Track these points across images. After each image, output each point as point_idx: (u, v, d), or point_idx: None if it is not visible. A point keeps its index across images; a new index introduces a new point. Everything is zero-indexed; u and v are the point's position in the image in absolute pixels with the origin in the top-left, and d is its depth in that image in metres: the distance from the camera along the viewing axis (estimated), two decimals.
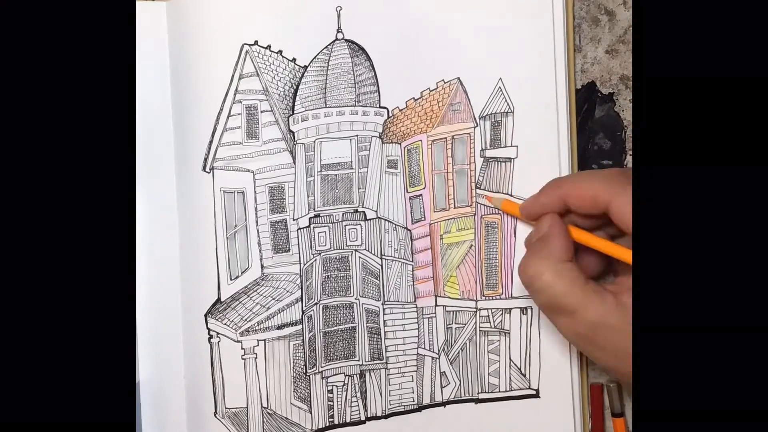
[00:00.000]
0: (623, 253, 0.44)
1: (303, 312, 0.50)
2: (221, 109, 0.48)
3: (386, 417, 0.51)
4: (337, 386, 0.50)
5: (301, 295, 0.50)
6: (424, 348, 0.51)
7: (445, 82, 0.50)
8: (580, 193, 0.45)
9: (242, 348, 0.49)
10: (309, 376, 0.50)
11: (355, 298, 0.50)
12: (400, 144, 0.50)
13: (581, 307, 0.42)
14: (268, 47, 0.49)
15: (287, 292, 0.50)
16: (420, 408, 0.51)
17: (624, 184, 0.43)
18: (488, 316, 0.51)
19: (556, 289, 0.43)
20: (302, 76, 0.49)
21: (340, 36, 0.49)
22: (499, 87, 0.50)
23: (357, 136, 0.50)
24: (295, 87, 0.49)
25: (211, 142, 0.49)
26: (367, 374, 0.50)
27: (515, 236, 0.50)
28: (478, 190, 0.50)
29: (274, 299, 0.50)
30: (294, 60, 0.49)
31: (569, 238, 0.45)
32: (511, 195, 0.50)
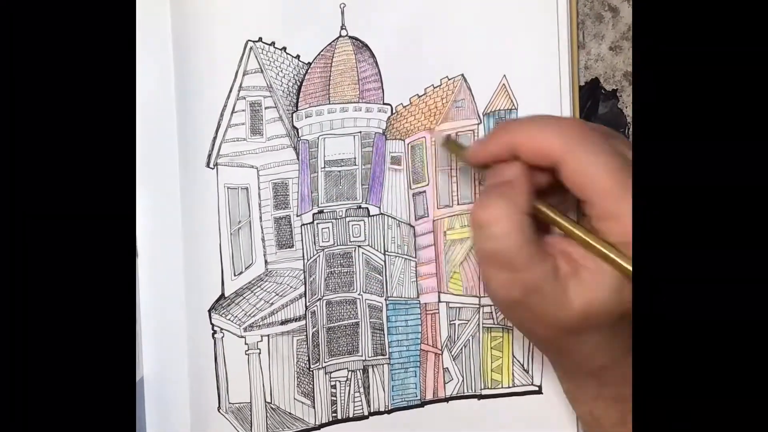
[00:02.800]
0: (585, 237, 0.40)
1: (306, 307, 0.50)
2: (225, 106, 0.49)
3: (389, 412, 0.51)
4: (340, 381, 0.51)
5: (305, 291, 0.50)
6: (427, 344, 0.51)
7: (449, 79, 0.50)
8: (531, 143, 0.41)
9: (246, 343, 0.49)
10: (312, 371, 0.50)
11: (359, 294, 0.50)
12: (403, 141, 0.50)
13: (526, 266, 0.39)
14: (273, 44, 0.49)
15: (291, 287, 0.50)
16: (423, 403, 0.51)
17: (583, 139, 0.40)
18: (491, 312, 0.51)
19: (511, 241, 0.39)
20: (306, 72, 0.49)
21: (343, 33, 0.49)
22: (503, 84, 0.50)
23: (360, 132, 0.50)
24: (299, 83, 0.49)
25: (215, 138, 0.49)
26: (370, 369, 0.51)
27: None
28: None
29: (277, 295, 0.50)
30: (298, 56, 0.49)
31: (533, 190, 0.41)
32: None
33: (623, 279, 0.39)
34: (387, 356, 0.51)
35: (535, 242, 0.39)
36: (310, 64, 0.49)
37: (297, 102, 0.49)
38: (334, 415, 0.50)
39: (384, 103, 0.50)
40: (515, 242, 0.39)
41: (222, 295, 0.49)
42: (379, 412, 0.51)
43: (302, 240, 0.50)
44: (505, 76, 0.50)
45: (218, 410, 0.49)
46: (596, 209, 0.39)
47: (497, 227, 0.39)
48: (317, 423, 0.50)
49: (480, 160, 0.43)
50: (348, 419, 0.51)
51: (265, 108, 0.49)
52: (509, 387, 0.51)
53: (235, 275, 0.49)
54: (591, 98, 0.51)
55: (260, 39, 0.49)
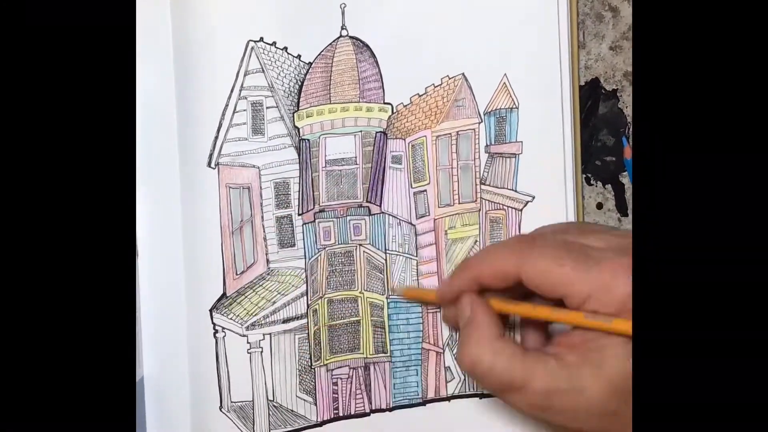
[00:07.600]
0: (545, 312, 0.43)
1: (308, 306, 0.50)
2: (227, 105, 0.49)
3: (391, 410, 0.51)
4: (341, 379, 0.51)
5: (306, 289, 0.50)
6: (429, 342, 0.51)
7: (449, 78, 0.50)
8: (489, 270, 0.43)
9: (248, 342, 0.50)
10: (314, 369, 0.50)
11: (360, 292, 0.51)
12: (404, 140, 0.51)
13: (527, 379, 0.41)
14: (274, 44, 0.49)
15: (292, 286, 0.50)
16: (424, 402, 0.51)
17: (528, 249, 0.42)
18: None
19: (498, 368, 0.41)
20: (307, 72, 0.49)
21: (344, 33, 0.49)
22: (504, 83, 0.50)
23: (361, 131, 0.50)
24: (300, 83, 0.49)
25: (216, 138, 0.49)
26: (372, 367, 0.51)
27: (520, 232, 0.50)
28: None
29: (279, 293, 0.50)
30: (299, 56, 0.49)
31: (494, 314, 0.43)
32: (515, 191, 0.50)
33: (628, 341, 0.39)
34: (388, 354, 0.51)
35: (522, 357, 0.41)
36: (311, 64, 0.49)
37: (298, 102, 0.50)
38: (335, 412, 0.51)
39: (385, 103, 0.50)
40: (503, 368, 0.41)
41: (224, 295, 0.50)
42: (380, 410, 0.51)
43: (304, 239, 0.50)
44: (505, 75, 0.50)
45: (220, 409, 0.49)
46: (569, 300, 0.41)
47: (481, 366, 0.42)
48: (319, 420, 0.50)
49: (449, 299, 0.46)
50: (350, 416, 0.51)
51: (267, 108, 0.49)
52: None
53: (236, 274, 0.50)
54: (591, 98, 0.51)
55: (261, 39, 0.49)
